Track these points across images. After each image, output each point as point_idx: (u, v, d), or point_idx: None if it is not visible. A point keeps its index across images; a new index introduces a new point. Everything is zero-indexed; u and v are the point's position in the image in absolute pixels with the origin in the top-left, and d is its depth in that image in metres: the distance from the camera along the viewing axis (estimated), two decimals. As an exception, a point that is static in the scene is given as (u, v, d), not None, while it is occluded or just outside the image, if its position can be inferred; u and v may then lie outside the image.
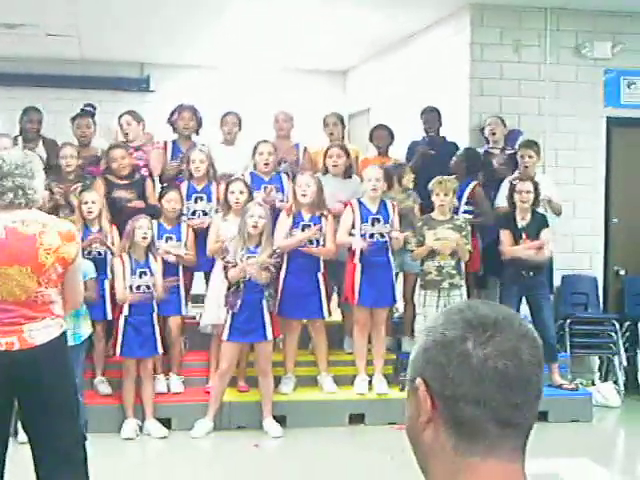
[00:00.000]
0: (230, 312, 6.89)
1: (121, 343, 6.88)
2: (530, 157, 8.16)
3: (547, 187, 8.08)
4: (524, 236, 7.71)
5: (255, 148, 7.77)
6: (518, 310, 7.59)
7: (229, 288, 6.89)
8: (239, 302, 6.83)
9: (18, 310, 3.94)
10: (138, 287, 6.94)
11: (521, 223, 7.75)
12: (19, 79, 11.54)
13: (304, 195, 7.26)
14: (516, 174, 8.10)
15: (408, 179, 7.89)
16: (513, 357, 1.27)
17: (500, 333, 1.28)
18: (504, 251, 7.74)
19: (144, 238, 6.93)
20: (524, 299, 7.77)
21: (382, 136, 8.64)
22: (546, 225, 7.82)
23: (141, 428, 6.96)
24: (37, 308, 3.96)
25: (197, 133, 8.23)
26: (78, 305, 4.43)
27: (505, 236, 7.77)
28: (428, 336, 1.33)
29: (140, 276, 6.94)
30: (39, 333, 3.94)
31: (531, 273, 7.69)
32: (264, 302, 6.90)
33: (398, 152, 8.67)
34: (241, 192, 7.31)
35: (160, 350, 7.04)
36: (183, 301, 7.35)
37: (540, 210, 7.91)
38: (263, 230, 6.91)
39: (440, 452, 1.30)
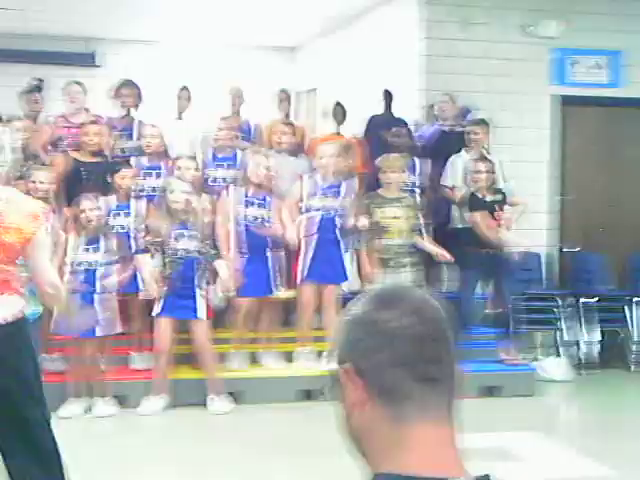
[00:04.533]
0: (164, 288, 6.89)
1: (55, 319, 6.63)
2: (476, 134, 8.19)
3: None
4: (497, 208, 7.70)
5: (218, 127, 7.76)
6: (474, 289, 7.69)
7: (164, 265, 6.89)
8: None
9: None
10: (79, 263, 6.81)
11: (491, 198, 7.73)
12: (-37, 53, 11.33)
13: (259, 175, 7.28)
14: (463, 152, 8.13)
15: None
16: (416, 315, 1.33)
17: (402, 300, 1.36)
18: (488, 235, 7.60)
19: (89, 221, 6.81)
20: (483, 276, 7.85)
21: (335, 113, 8.55)
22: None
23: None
24: None
25: (136, 108, 8.18)
26: (53, 285, 4.00)
27: (480, 217, 7.61)
28: (347, 323, 1.38)
29: (85, 251, 6.82)
30: None
31: (492, 251, 7.68)
32: (196, 280, 6.90)
33: (351, 129, 8.64)
34: (187, 168, 7.29)
35: (112, 330, 6.87)
36: (140, 279, 7.19)
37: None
38: (189, 205, 6.90)
39: (377, 429, 1.32)
